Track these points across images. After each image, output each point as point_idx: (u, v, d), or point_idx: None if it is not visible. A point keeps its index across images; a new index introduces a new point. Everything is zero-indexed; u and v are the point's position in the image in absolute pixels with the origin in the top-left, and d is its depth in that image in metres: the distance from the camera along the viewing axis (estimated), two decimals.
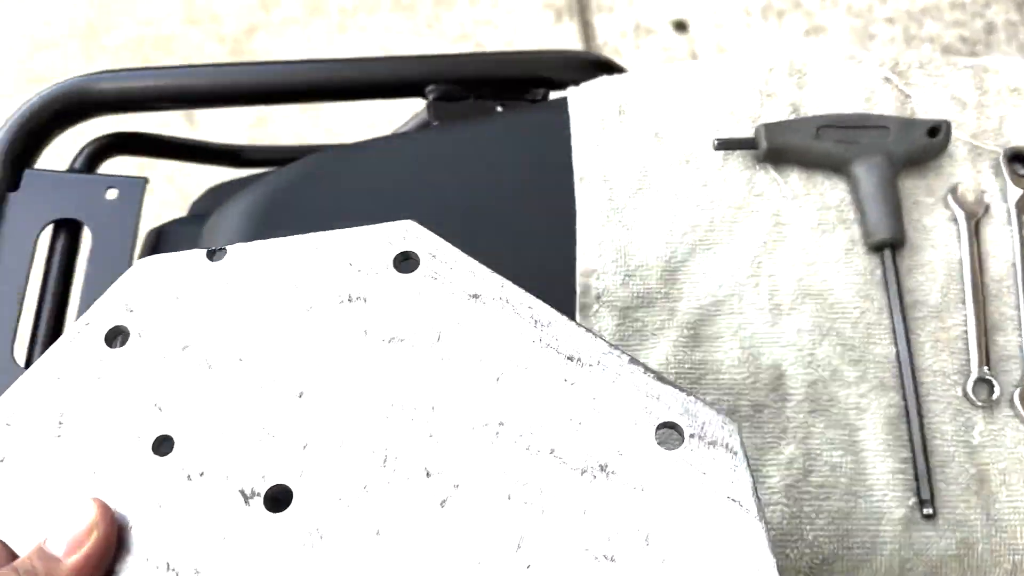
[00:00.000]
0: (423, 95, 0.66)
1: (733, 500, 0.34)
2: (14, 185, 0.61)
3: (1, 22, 1.69)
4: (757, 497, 0.34)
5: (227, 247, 0.40)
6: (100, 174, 0.66)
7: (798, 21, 1.71)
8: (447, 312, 0.38)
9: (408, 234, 0.40)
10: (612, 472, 0.35)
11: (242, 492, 0.36)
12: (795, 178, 0.57)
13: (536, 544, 0.34)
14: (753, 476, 0.34)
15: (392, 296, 0.39)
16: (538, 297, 0.38)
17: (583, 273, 0.55)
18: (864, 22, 1.69)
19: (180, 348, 0.39)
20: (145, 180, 0.62)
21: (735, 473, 0.34)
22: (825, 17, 1.71)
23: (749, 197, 0.56)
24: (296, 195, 0.59)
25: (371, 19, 1.85)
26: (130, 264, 0.59)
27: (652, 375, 0.36)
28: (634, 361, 0.37)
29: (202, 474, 0.36)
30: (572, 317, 0.47)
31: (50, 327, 0.60)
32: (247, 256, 0.40)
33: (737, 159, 0.58)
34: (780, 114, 0.58)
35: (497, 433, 0.36)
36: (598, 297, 0.54)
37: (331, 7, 1.85)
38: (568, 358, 0.37)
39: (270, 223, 0.57)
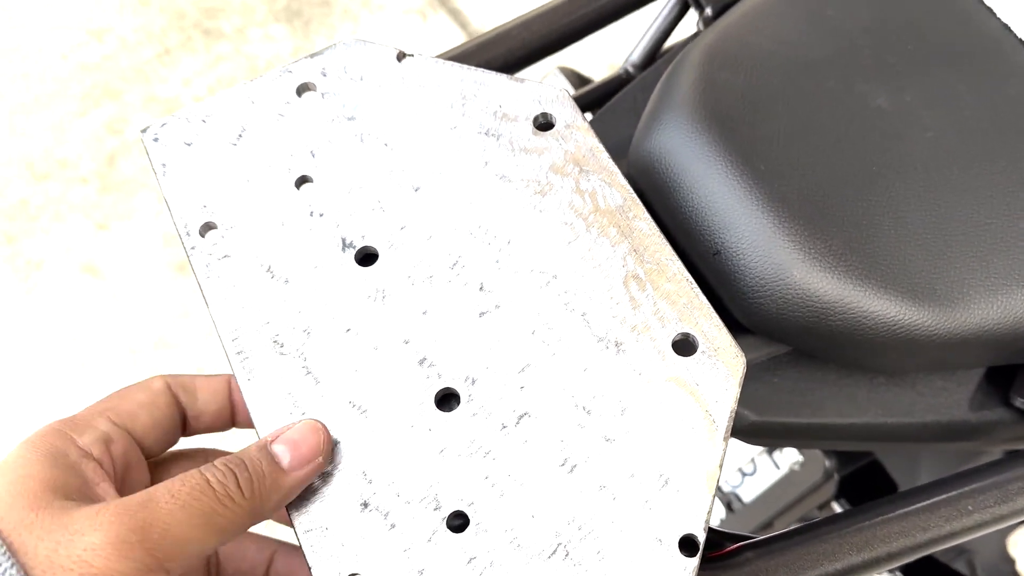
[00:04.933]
0: None
1: (710, 415, 0.38)
2: None
3: None
4: (731, 421, 0.38)
5: (414, 54, 0.48)
6: None
7: None
8: (556, 177, 0.44)
9: (555, 100, 0.45)
10: (624, 351, 0.40)
11: (343, 240, 0.44)
12: None
13: (536, 374, 0.40)
14: (736, 404, 0.38)
15: (518, 144, 0.45)
16: None
17: None
18: None
19: (347, 118, 0.47)
20: None
21: (723, 395, 0.38)
22: None
23: None
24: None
25: None
26: None
27: (699, 291, 0.41)
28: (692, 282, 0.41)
29: (322, 215, 0.44)
30: None
31: None
32: (427, 68, 0.47)
33: None
34: None
35: (548, 283, 0.42)
36: None
37: None
38: (638, 257, 0.42)
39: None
